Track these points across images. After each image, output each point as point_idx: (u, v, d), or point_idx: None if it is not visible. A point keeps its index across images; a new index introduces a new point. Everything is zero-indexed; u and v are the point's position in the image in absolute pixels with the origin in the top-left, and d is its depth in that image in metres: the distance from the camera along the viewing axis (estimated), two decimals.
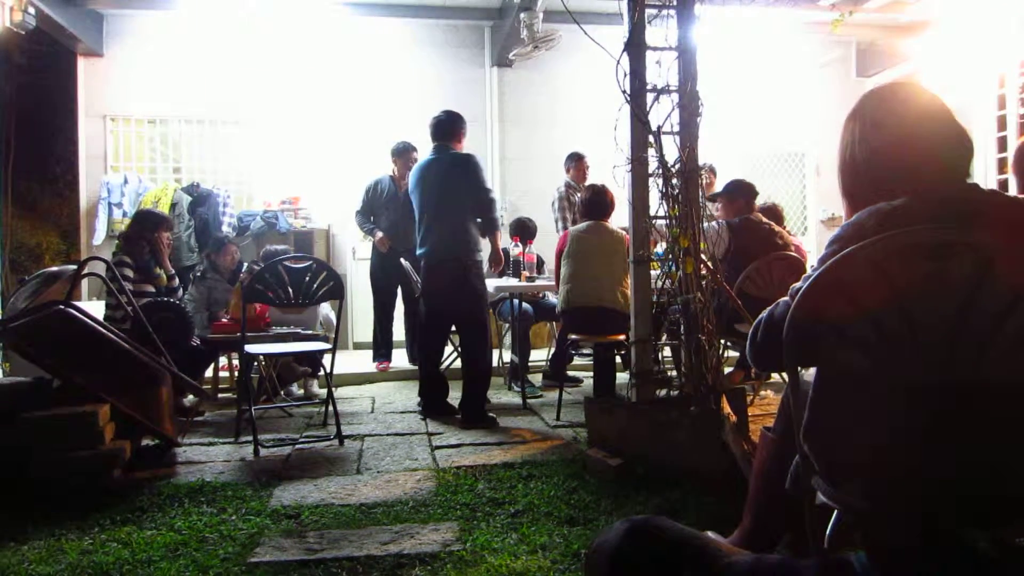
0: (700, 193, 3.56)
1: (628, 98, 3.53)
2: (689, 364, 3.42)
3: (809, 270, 1.61)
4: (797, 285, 1.60)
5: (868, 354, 1.42)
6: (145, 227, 5.08)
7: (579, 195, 7.04)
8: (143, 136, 8.24)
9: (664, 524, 1.55)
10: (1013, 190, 6.12)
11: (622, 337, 4.50)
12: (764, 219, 4.73)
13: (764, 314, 1.67)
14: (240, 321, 4.35)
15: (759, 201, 5.06)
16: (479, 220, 4.81)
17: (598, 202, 4.96)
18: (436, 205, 4.72)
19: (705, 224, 4.57)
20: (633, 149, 3.56)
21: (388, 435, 4.41)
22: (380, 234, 6.19)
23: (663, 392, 3.59)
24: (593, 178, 6.69)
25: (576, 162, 7.04)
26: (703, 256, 3.52)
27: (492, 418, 4.62)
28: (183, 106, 8.07)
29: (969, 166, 1.61)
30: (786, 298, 1.61)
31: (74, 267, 4.47)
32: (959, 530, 1.43)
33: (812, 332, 1.48)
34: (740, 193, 4.82)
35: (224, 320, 5.16)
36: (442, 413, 4.79)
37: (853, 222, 1.57)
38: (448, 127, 4.80)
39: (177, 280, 5.42)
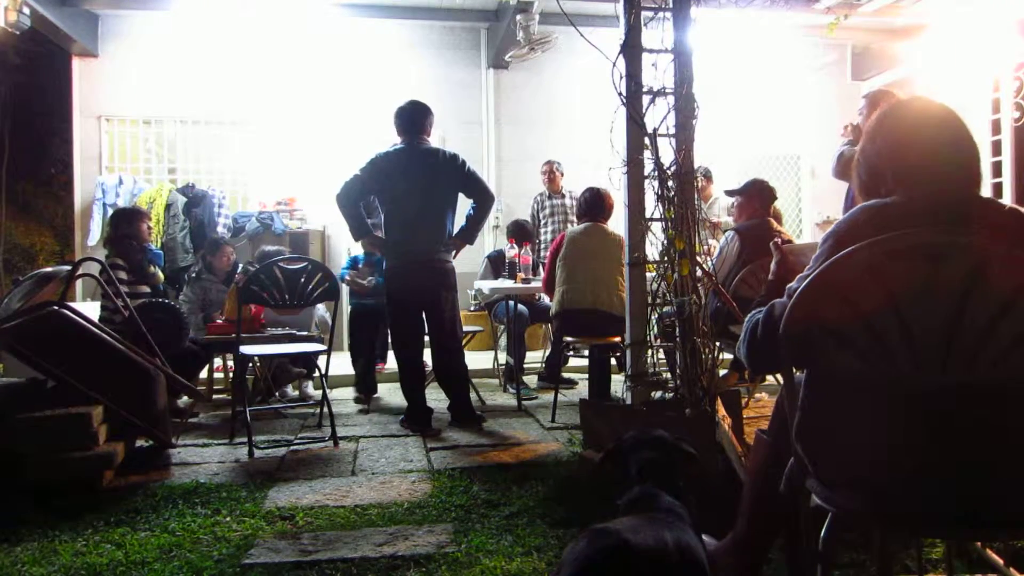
0: (696, 195, 3.56)
1: (624, 100, 3.53)
2: (684, 366, 3.42)
3: (807, 271, 1.61)
4: (793, 285, 1.60)
5: (863, 356, 1.42)
6: (121, 225, 5.00)
7: (550, 201, 7.11)
8: (138, 137, 8.24)
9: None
10: (1008, 193, 6.15)
11: (617, 339, 4.50)
12: (775, 224, 4.56)
13: (760, 314, 1.67)
14: (235, 322, 4.34)
15: None
16: (473, 213, 4.62)
17: (595, 204, 4.93)
18: (422, 202, 4.49)
19: (721, 240, 4.53)
20: (629, 151, 3.56)
21: (383, 436, 4.40)
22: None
23: (658, 394, 3.59)
24: (589, 180, 6.70)
25: (543, 171, 7.11)
26: (699, 259, 3.52)
27: (480, 416, 4.62)
28: (178, 107, 8.07)
29: (971, 174, 1.62)
30: (783, 299, 1.62)
31: (68, 268, 4.46)
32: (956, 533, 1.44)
33: (808, 334, 1.48)
34: (757, 194, 4.60)
35: (219, 321, 5.15)
36: (428, 426, 4.58)
37: (846, 219, 1.59)
38: (422, 120, 4.59)
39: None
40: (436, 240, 4.55)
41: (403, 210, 4.53)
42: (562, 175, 7.09)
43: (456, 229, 4.68)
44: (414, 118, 4.59)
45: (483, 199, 4.64)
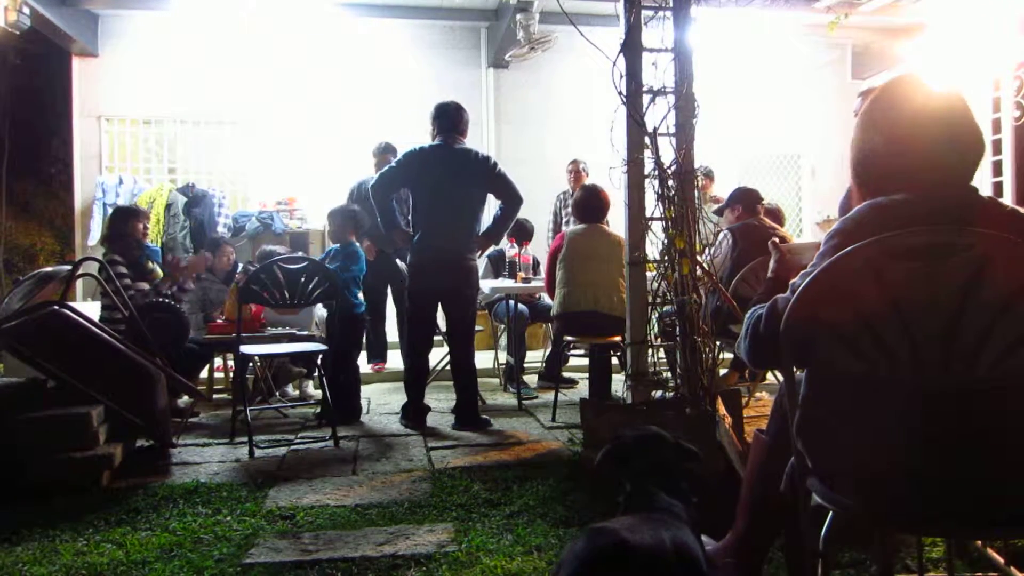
0: (696, 195, 3.56)
1: (624, 100, 3.53)
2: (684, 366, 3.42)
3: (811, 268, 1.61)
4: (797, 281, 1.60)
5: (864, 356, 1.42)
6: (119, 223, 4.98)
7: (572, 199, 7.10)
8: (138, 136, 8.24)
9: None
10: (1008, 193, 6.15)
11: (618, 338, 4.50)
12: (767, 222, 4.71)
13: (762, 309, 1.66)
14: (235, 322, 4.34)
15: None
16: (500, 214, 4.68)
17: (591, 204, 4.90)
18: (451, 201, 4.53)
19: (720, 236, 4.62)
20: (629, 151, 3.56)
21: (383, 436, 4.40)
22: (367, 242, 5.80)
23: (658, 394, 3.59)
24: (591, 180, 6.71)
25: (568, 169, 7.12)
26: (699, 258, 3.53)
27: (486, 420, 4.60)
28: (178, 106, 8.07)
29: (972, 165, 1.59)
30: (786, 294, 1.61)
31: (69, 268, 4.46)
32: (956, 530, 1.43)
33: (809, 334, 1.48)
34: (740, 200, 4.83)
35: (219, 321, 5.15)
36: (423, 424, 4.62)
37: (851, 216, 1.58)
38: (453, 117, 4.62)
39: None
40: (463, 239, 4.57)
41: (433, 207, 4.56)
42: (587, 174, 7.04)
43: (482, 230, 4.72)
44: (452, 117, 4.63)
45: (511, 201, 4.68)
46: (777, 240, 2.10)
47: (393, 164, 4.60)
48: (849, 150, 1.72)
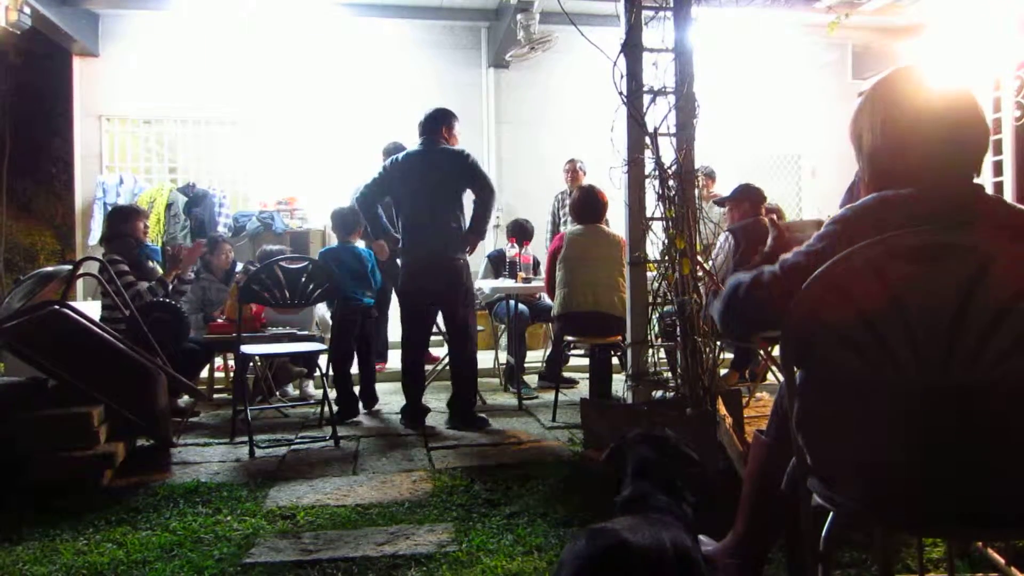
0: (696, 195, 3.56)
1: (625, 99, 3.53)
2: (685, 366, 3.42)
3: (805, 247, 1.59)
4: (787, 257, 1.59)
5: (865, 356, 1.42)
6: (117, 223, 4.98)
7: (571, 199, 7.11)
8: (139, 136, 8.25)
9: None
10: (1008, 193, 6.15)
11: (618, 338, 4.50)
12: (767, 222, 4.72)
13: (745, 276, 1.64)
14: (235, 321, 4.34)
15: None
16: (475, 207, 4.63)
17: (589, 205, 4.90)
18: (429, 201, 4.56)
19: (721, 238, 4.61)
20: (629, 151, 3.56)
21: (384, 436, 4.40)
22: (380, 242, 5.92)
23: (659, 394, 3.59)
24: (590, 180, 6.71)
25: (565, 168, 7.12)
26: (699, 258, 3.52)
27: (483, 419, 4.59)
28: (179, 106, 8.08)
29: (976, 160, 1.59)
30: (773, 267, 1.60)
31: (69, 267, 4.46)
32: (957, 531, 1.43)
33: (810, 334, 1.48)
34: (746, 197, 4.80)
35: (220, 320, 5.14)
36: (422, 424, 4.64)
37: (856, 205, 1.57)
38: (430, 121, 4.66)
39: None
40: (446, 238, 4.57)
41: (412, 210, 4.60)
42: (584, 173, 7.06)
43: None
44: (429, 120, 4.68)
45: (481, 192, 4.64)
46: (775, 217, 2.09)
47: (375, 175, 4.66)
48: (851, 142, 1.71)
